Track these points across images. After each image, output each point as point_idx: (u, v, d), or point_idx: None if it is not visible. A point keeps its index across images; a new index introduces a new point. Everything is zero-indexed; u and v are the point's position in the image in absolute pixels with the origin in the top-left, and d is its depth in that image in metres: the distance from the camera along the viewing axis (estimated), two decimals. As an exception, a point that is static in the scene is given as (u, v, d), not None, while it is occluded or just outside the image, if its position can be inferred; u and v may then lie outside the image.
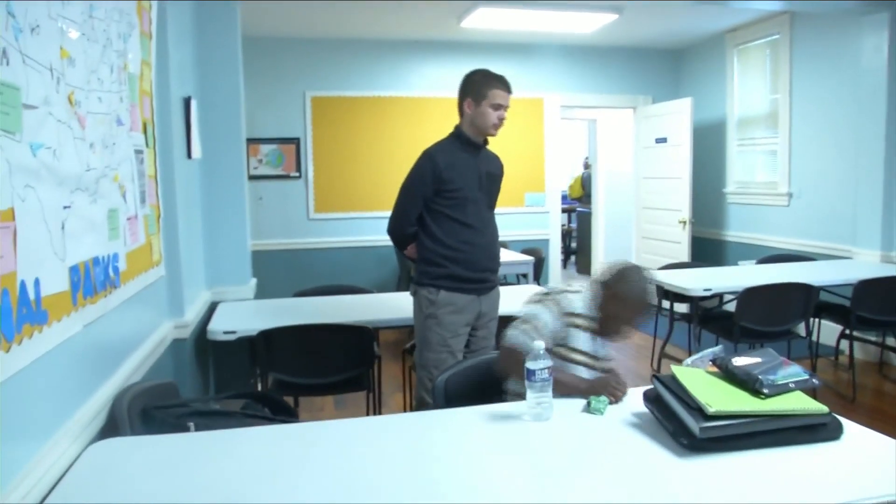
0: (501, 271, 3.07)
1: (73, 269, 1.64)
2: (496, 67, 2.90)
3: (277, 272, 5.92)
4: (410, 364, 3.20)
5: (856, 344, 4.46)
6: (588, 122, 9.42)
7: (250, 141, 5.84)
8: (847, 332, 4.23)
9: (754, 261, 5.29)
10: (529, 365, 1.78)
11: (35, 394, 1.44)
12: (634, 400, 1.85)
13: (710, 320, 4.21)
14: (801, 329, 4.09)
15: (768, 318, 3.87)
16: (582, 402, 1.90)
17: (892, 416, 3.94)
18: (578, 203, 10.05)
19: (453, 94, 2.87)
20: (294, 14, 5.43)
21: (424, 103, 6.44)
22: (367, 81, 6.42)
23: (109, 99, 1.98)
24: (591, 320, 2.15)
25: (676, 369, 1.78)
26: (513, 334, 2.10)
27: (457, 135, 2.84)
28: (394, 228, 2.88)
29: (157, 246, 2.61)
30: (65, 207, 1.59)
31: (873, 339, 4.83)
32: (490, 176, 2.88)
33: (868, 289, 4.00)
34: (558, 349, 2.11)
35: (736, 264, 5.84)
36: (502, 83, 2.77)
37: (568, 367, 2.11)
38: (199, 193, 3.53)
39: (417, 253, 2.85)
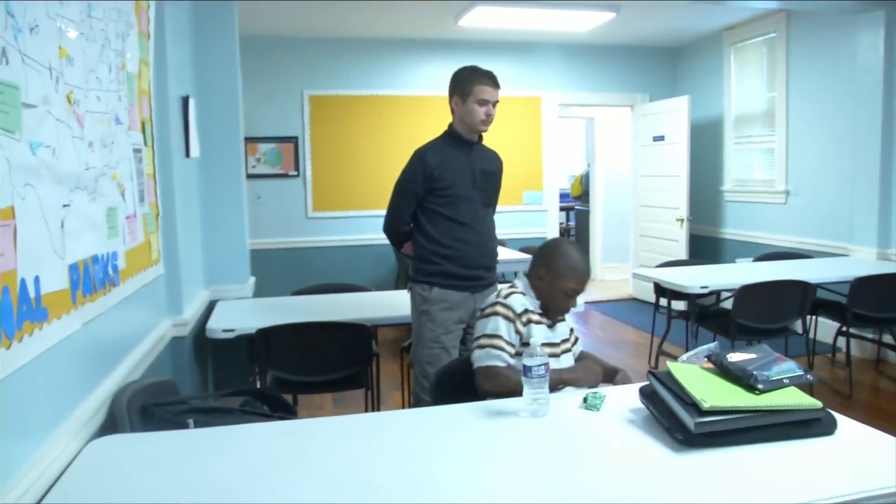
0: (499, 269, 3.08)
1: (73, 268, 1.65)
2: (494, 66, 2.91)
3: (276, 271, 5.93)
4: (409, 362, 3.21)
5: (853, 341, 4.48)
6: (586, 121, 9.42)
7: (248, 140, 5.84)
8: (844, 329, 4.25)
9: (751, 258, 5.30)
10: (526, 362, 1.79)
11: (35, 391, 1.45)
12: (630, 396, 1.86)
13: (708, 317, 4.22)
14: (798, 326, 4.11)
15: (765, 315, 3.88)
16: (578, 398, 1.91)
17: (888, 413, 3.96)
18: (579, 201, 10.05)
19: (450, 92, 2.87)
20: (291, 13, 5.44)
21: (422, 102, 6.45)
22: (365, 80, 6.42)
23: (108, 98, 1.99)
24: (539, 314, 2.23)
25: (672, 365, 1.79)
26: (479, 355, 2.16)
27: (449, 133, 2.86)
28: (388, 227, 2.93)
29: (156, 244, 2.62)
30: (64, 206, 1.60)
31: (870, 336, 4.85)
32: (486, 173, 2.89)
33: (865, 286, 4.01)
34: (524, 348, 2.14)
35: (733, 262, 5.86)
36: (488, 78, 2.76)
37: None
38: (197, 192, 3.54)
39: (413, 251, 2.88)
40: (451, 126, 2.86)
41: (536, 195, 6.92)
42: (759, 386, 1.65)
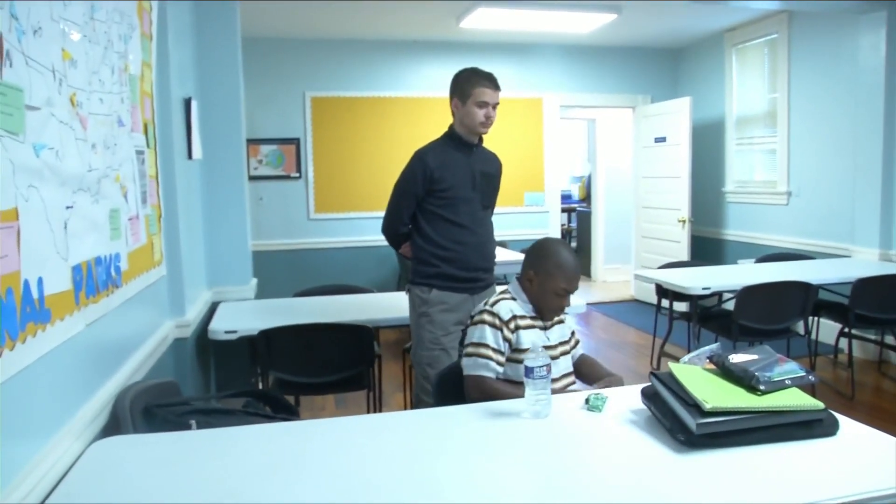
0: (501, 271, 3.09)
1: (76, 269, 1.65)
2: (495, 67, 2.91)
3: (278, 272, 5.93)
4: (410, 363, 3.21)
5: (855, 342, 4.47)
6: (587, 122, 9.43)
7: (250, 141, 5.86)
8: (846, 330, 4.25)
9: (753, 259, 5.30)
10: (528, 363, 1.79)
11: (38, 392, 1.46)
12: (632, 397, 1.87)
13: (710, 319, 4.22)
14: (800, 327, 4.10)
15: (767, 316, 3.88)
16: (580, 399, 1.91)
17: (891, 414, 3.96)
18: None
19: (452, 94, 2.87)
20: (293, 14, 5.45)
21: (424, 103, 6.45)
22: (367, 82, 6.43)
23: (111, 100, 1.99)
24: (531, 318, 2.21)
25: (674, 366, 1.79)
26: (467, 363, 2.16)
27: (449, 135, 2.86)
28: (387, 228, 2.92)
29: (159, 246, 2.63)
30: (67, 207, 1.61)
31: (872, 337, 4.84)
32: (485, 175, 2.89)
33: (867, 287, 4.01)
34: (514, 355, 2.15)
35: (735, 263, 5.85)
36: (488, 80, 2.74)
37: None
38: (199, 194, 3.54)
39: (411, 252, 2.88)
40: (451, 128, 2.86)
41: (538, 196, 6.92)
42: (761, 387, 1.65)
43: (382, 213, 2.92)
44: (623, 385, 2.12)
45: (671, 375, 1.74)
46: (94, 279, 1.79)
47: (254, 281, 3.94)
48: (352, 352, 3.00)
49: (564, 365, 2.25)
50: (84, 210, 1.72)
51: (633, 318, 6.56)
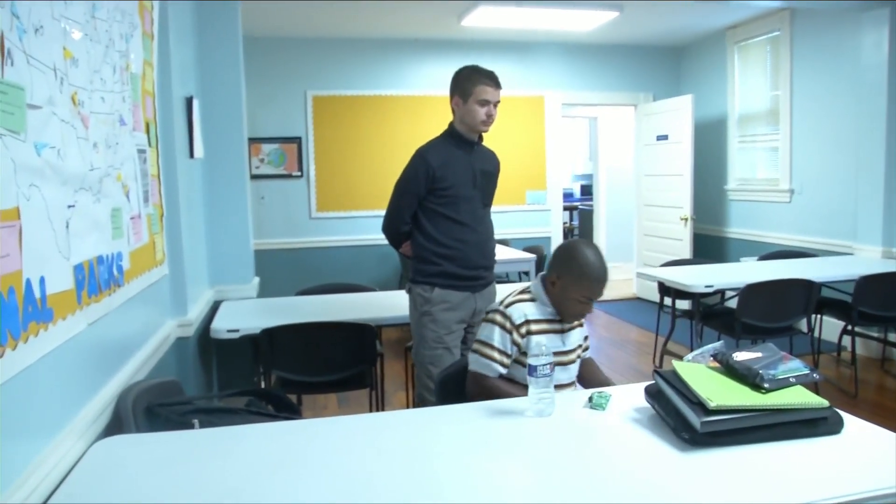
0: (503, 269, 3.09)
1: (78, 268, 1.65)
2: (496, 66, 2.90)
3: (280, 271, 5.94)
4: (413, 362, 3.21)
5: (858, 340, 4.46)
6: (589, 120, 9.41)
7: (252, 140, 5.85)
8: (849, 327, 4.24)
9: (756, 257, 5.29)
10: (532, 361, 1.79)
11: (41, 391, 1.46)
12: (636, 395, 1.86)
13: (712, 317, 4.21)
14: (802, 325, 4.10)
15: (770, 314, 3.87)
16: (584, 398, 1.91)
17: (894, 412, 3.95)
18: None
19: (454, 92, 2.87)
20: (295, 13, 5.44)
21: (425, 102, 6.45)
22: (369, 80, 6.43)
23: (112, 99, 1.99)
24: (548, 322, 2.16)
25: (678, 364, 1.78)
26: (472, 359, 2.15)
27: (450, 133, 2.84)
28: (388, 227, 2.90)
29: (161, 245, 2.62)
30: (69, 206, 1.60)
31: (875, 334, 4.83)
32: (485, 173, 2.88)
33: (869, 284, 4.00)
34: (521, 358, 2.12)
35: (737, 261, 5.85)
36: (489, 79, 2.73)
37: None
38: (201, 193, 3.54)
39: (412, 251, 2.87)
40: (451, 125, 2.85)
41: (540, 195, 6.91)
42: (766, 385, 1.64)
43: (384, 212, 2.91)
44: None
45: (675, 373, 1.73)
46: (96, 278, 1.78)
47: (256, 280, 3.94)
48: (354, 351, 3.00)
49: (574, 370, 2.24)
50: (86, 209, 1.72)
51: (635, 317, 6.55)
